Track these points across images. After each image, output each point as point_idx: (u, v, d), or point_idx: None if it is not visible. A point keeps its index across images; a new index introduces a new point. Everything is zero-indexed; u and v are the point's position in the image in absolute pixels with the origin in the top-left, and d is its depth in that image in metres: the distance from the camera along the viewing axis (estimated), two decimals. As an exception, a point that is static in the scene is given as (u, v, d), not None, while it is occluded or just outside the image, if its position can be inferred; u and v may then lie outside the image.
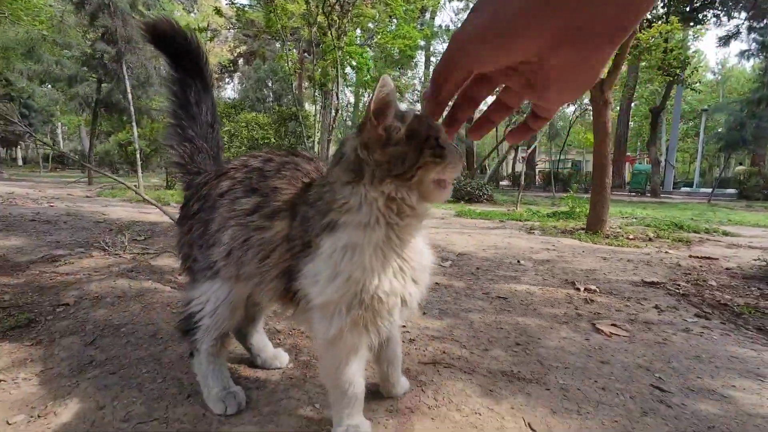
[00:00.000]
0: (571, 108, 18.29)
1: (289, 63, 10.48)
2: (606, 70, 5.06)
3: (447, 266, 2.86)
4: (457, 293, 2.24)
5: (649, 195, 16.11)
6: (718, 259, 3.30)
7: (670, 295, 2.29)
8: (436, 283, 2.43)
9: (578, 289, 2.35)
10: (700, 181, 24.19)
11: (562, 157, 21.92)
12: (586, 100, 17.77)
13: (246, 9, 13.60)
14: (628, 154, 23.89)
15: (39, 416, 1.04)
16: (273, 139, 11.84)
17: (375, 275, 0.80)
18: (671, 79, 11.70)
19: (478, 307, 2.01)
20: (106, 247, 2.77)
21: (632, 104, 21.71)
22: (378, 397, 1.17)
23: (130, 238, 3.15)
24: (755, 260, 3.08)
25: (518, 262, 3.09)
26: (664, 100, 16.36)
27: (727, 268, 2.98)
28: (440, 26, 22.91)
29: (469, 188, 11.11)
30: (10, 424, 1.01)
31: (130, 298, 1.85)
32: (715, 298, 2.24)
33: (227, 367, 1.16)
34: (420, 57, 23.09)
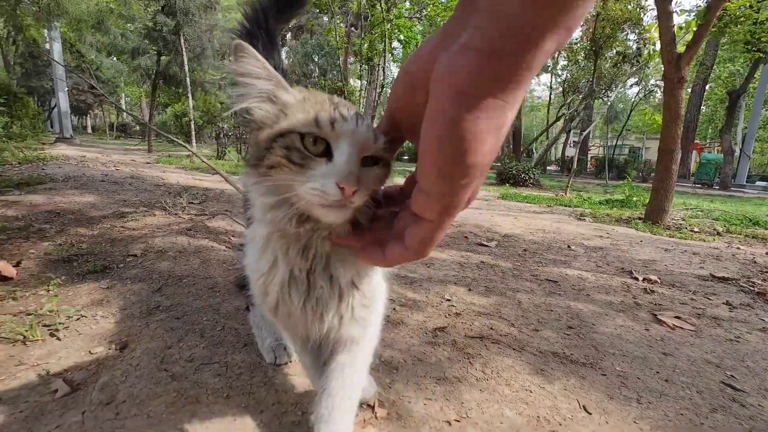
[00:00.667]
0: (635, 89, 16.80)
1: (337, 37, 10.39)
2: (683, 43, 4.55)
3: (492, 246, 2.78)
4: (503, 273, 2.17)
5: (717, 187, 14.67)
6: (801, 258, 2.95)
7: (743, 293, 2.08)
8: (482, 261, 2.37)
9: (636, 279, 2.20)
10: (780, 175, 21.60)
11: (620, 142, 20.33)
12: (653, 81, 16.24)
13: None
14: (696, 141, 21.72)
15: (116, 349, 1.14)
16: (318, 114, 11.96)
17: (260, 279, 0.66)
18: (759, 56, 10.34)
19: (526, 288, 1.94)
20: (167, 208, 2.96)
21: (707, 86, 19.52)
22: (426, 365, 1.17)
23: (187, 201, 3.34)
24: None
25: (568, 247, 2.94)
26: (746, 81, 14.56)
27: (813, 269, 2.65)
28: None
29: (514, 171, 10.70)
30: (92, 354, 1.12)
31: (190, 253, 1.97)
32: (799, 300, 2.01)
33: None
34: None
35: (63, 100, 14.76)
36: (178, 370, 1.04)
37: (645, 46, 10.06)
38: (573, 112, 10.35)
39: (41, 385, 0.98)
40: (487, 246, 2.79)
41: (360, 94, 13.69)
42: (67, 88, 14.85)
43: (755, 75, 14.99)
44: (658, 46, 4.37)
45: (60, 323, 1.25)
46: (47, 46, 18.23)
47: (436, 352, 1.26)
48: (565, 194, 7.04)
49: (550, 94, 15.92)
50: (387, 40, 8.96)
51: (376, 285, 0.72)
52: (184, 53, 8.54)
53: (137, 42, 12.14)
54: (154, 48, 11.45)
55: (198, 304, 1.44)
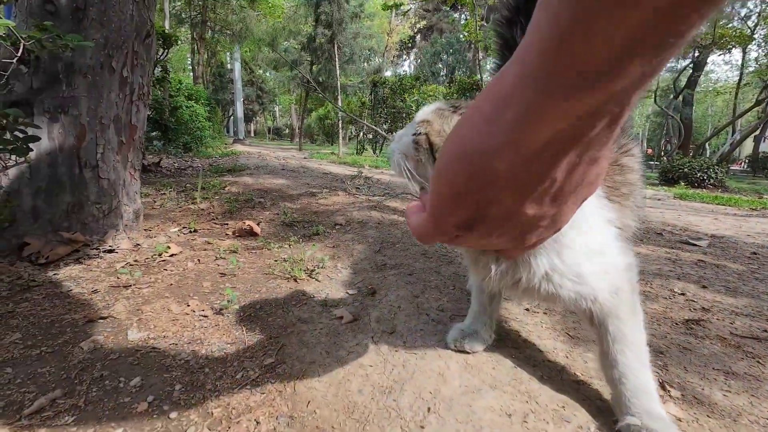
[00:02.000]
0: None
1: (476, 27, 10.18)
2: None
3: (704, 246, 2.32)
4: (738, 275, 1.78)
5: None
6: None
7: None
8: (699, 260, 1.99)
9: None
10: None
11: None
12: None
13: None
14: None
15: (367, 295, 1.30)
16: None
17: None
18: None
19: (786, 294, 1.54)
20: (347, 190, 3.32)
21: None
22: (697, 355, 1.02)
23: (359, 186, 3.69)
24: None
25: (822, 255, 2.25)
26: None
27: None
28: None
29: (686, 169, 8.88)
30: (349, 294, 1.30)
31: (387, 225, 2.15)
32: None
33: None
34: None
35: (239, 109, 18.10)
36: (435, 316, 1.12)
37: None
38: (786, 92, 7.96)
39: (326, 312, 1.17)
40: (695, 245, 2.33)
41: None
42: (242, 98, 18.12)
43: None
44: None
45: (313, 270, 1.49)
46: (228, 66, 22.54)
47: (702, 344, 1.08)
48: (778, 196, 5.49)
49: (741, 72, 12.50)
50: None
51: (573, 252, 0.68)
52: (337, 60, 9.53)
53: (296, 54, 14.12)
54: (308, 59, 13.13)
55: (419, 265, 1.54)
